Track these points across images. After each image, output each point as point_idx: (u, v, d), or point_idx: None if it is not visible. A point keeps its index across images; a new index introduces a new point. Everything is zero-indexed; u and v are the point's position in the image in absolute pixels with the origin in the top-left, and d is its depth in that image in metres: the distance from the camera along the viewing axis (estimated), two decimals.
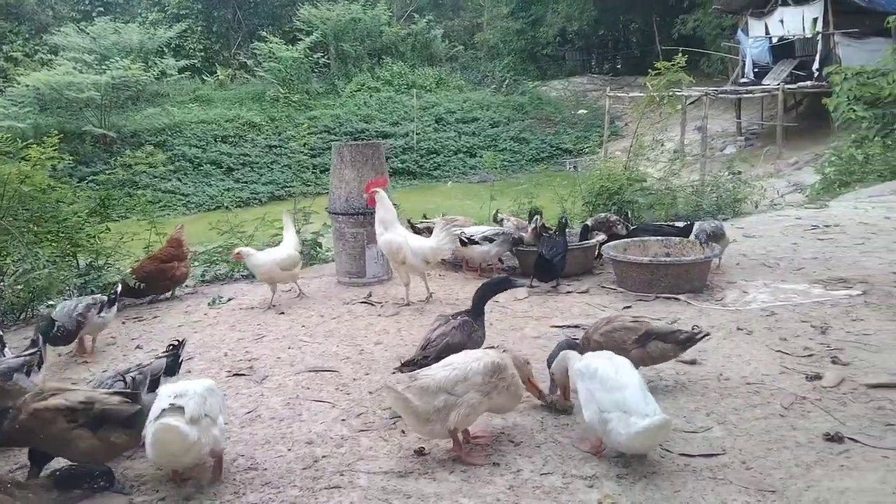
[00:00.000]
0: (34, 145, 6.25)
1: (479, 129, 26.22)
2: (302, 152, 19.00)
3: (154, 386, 3.39)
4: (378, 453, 3.30)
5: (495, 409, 3.37)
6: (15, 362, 3.58)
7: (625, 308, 5.33)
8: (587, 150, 21.83)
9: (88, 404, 2.93)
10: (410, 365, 3.75)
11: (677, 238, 6.15)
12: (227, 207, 16.77)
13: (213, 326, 5.38)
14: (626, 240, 6.21)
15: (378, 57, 30.27)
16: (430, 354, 3.75)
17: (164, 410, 2.81)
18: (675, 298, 5.45)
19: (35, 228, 5.82)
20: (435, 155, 24.97)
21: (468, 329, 3.93)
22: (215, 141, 23.15)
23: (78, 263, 6.29)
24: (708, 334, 3.97)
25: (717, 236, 5.90)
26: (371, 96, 27.50)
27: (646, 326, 3.75)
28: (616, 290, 5.81)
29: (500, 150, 25.14)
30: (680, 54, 8.98)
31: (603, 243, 6.26)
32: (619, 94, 25.61)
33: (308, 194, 8.81)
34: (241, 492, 3.01)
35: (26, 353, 3.74)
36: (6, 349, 4.04)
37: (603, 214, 7.14)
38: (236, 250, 5.94)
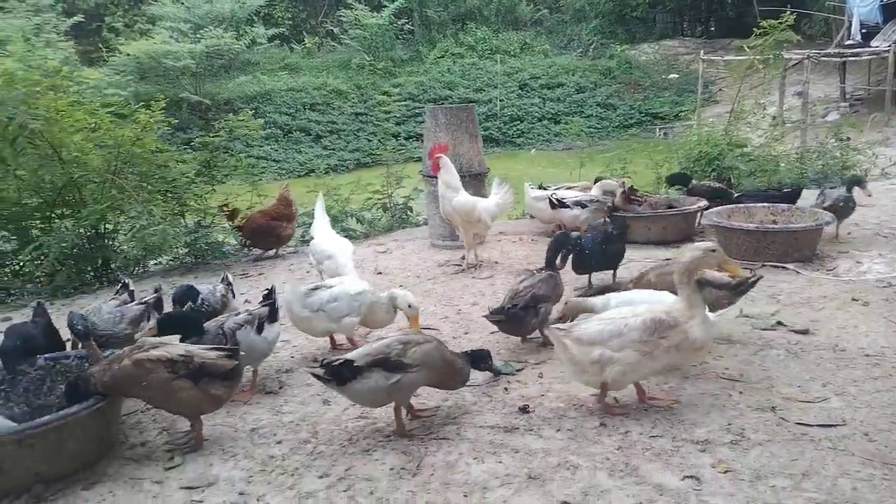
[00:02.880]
0: (143, 109, 6.53)
1: (564, 95, 25.60)
2: (387, 120, 19.23)
3: (261, 329, 3.59)
4: (482, 409, 3.35)
5: (671, 366, 3.26)
6: (241, 318, 3.58)
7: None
8: (679, 115, 21.02)
9: (188, 357, 3.02)
10: (499, 313, 3.84)
11: (784, 205, 5.89)
12: (316, 173, 17.22)
13: None
14: (730, 206, 5.99)
15: (462, 22, 29.94)
16: (518, 303, 3.85)
17: None
18: (783, 267, 5.23)
19: (148, 187, 6.12)
20: (518, 122, 24.61)
21: (553, 282, 4.05)
22: (304, 108, 23.58)
23: (186, 222, 6.58)
24: (761, 277, 3.92)
25: (844, 207, 5.65)
26: (455, 62, 27.28)
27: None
28: None
29: (586, 116, 24.54)
30: (788, 12, 8.47)
31: (705, 209, 6.06)
32: (713, 58, 24.47)
33: (393, 161, 8.89)
34: (355, 438, 3.13)
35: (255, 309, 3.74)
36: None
37: (705, 182, 6.89)
38: None
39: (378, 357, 2.98)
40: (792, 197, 6.07)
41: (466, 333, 4.37)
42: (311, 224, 7.19)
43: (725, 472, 2.71)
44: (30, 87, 5.48)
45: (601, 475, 2.74)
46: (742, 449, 2.86)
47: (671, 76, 27.30)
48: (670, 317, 3.04)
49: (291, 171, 20.71)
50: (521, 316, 3.82)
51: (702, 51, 25.17)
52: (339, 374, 2.95)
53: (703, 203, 6.22)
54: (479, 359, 3.38)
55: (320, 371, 2.97)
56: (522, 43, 29.21)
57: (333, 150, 22.46)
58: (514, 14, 31.20)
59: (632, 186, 6.33)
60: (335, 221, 7.17)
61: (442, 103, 23.46)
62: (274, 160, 21.19)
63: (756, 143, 9.43)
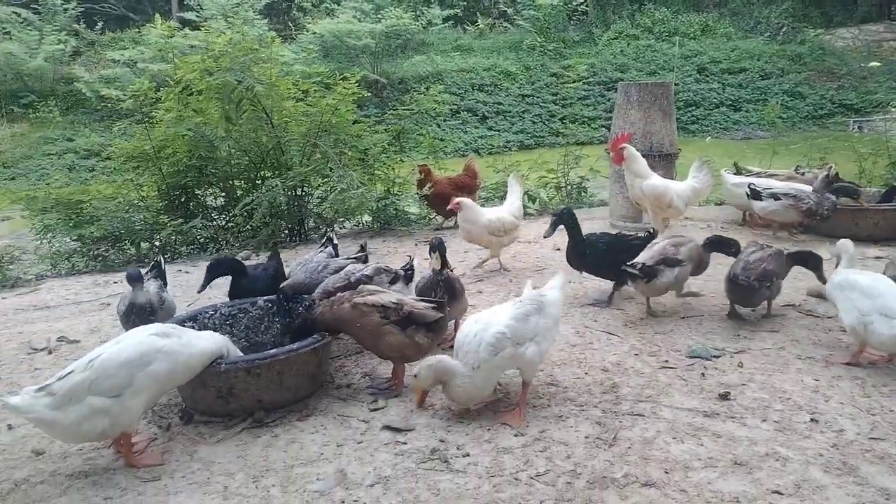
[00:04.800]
0: (341, 80, 6.91)
1: (746, 81, 23.96)
2: (554, 102, 19.00)
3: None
4: (678, 391, 3.27)
5: None
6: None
7: None
8: (882, 107, 19.02)
9: (398, 305, 3.24)
10: (734, 282, 3.90)
11: None
12: (481, 154, 17.44)
13: None
14: None
15: (639, 3, 28.88)
16: (749, 276, 3.86)
17: None
18: None
19: (349, 153, 6.50)
20: (694, 107, 23.38)
21: (781, 259, 4.03)
22: (472, 89, 23.88)
23: (377, 190, 6.93)
24: None
25: None
26: (629, 44, 26.36)
27: None
28: None
29: (771, 105, 22.90)
30: None
31: None
32: None
33: (557, 145, 8.79)
34: (546, 404, 3.18)
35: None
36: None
37: None
38: (456, 200, 5.15)
39: (661, 257, 3.96)
40: None
41: (653, 315, 4.27)
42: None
43: None
44: (252, 54, 5.99)
45: (814, 470, 2.59)
46: None
47: (872, 64, 24.70)
48: None
49: (456, 151, 21.11)
50: (755, 287, 3.86)
51: None
52: (650, 273, 3.85)
53: None
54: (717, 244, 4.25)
55: (634, 271, 3.87)
56: (704, 25, 27.70)
57: (498, 131, 22.58)
58: None
59: (837, 173, 5.82)
60: None
61: (612, 87, 22.83)
62: (440, 139, 21.71)
63: None
